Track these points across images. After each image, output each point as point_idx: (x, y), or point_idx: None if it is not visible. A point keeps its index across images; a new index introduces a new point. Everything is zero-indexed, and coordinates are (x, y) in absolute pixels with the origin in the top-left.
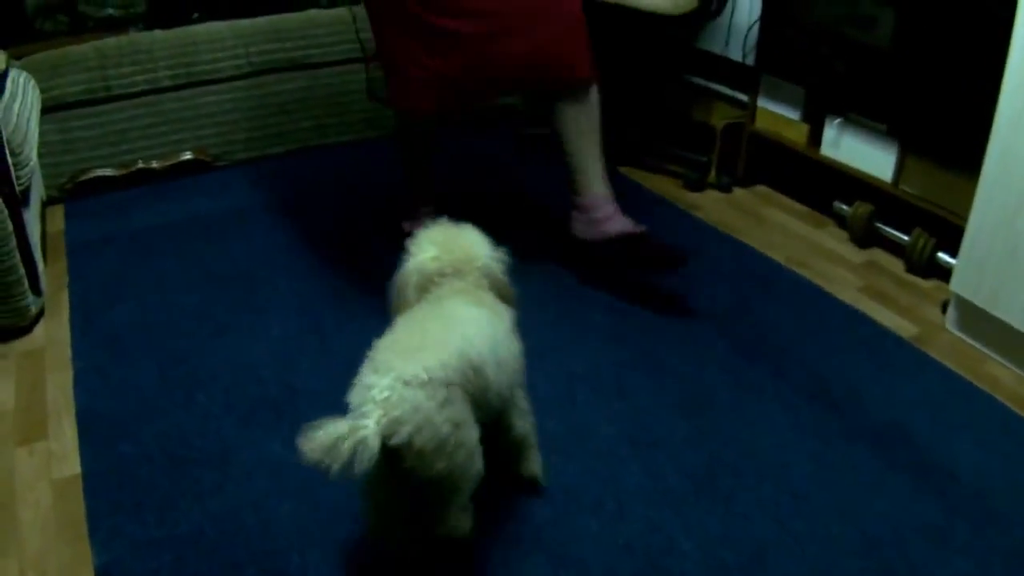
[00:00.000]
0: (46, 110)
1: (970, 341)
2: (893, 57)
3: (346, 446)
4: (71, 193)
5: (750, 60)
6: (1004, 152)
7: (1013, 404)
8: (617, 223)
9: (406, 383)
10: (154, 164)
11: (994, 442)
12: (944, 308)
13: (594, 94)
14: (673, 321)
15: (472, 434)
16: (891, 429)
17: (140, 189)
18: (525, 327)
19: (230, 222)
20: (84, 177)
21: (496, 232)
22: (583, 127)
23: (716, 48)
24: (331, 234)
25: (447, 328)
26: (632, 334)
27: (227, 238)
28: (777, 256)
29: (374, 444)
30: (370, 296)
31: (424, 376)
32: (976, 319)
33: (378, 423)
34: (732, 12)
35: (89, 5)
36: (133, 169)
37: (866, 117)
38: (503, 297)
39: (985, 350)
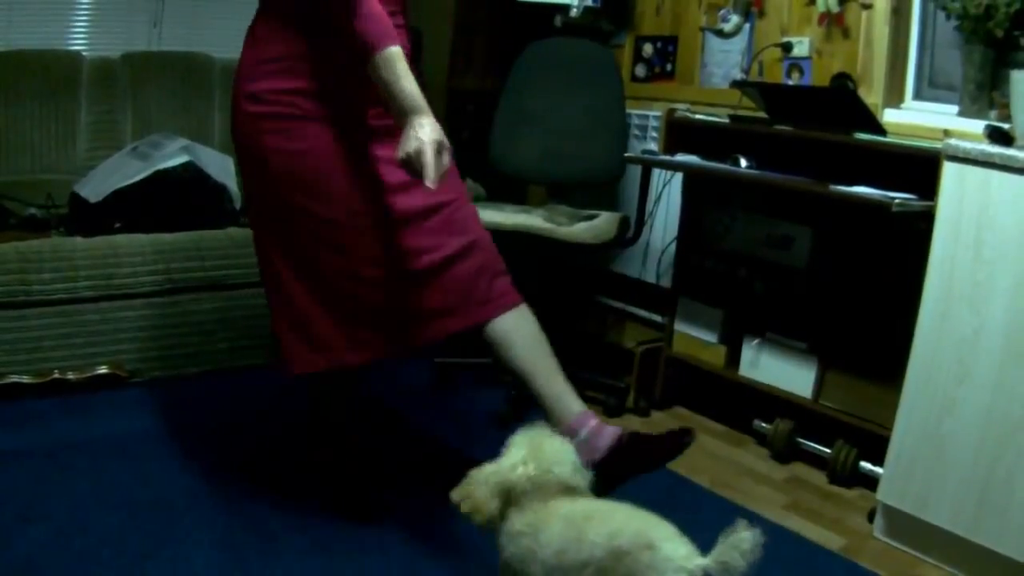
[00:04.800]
0: None
1: (900, 546)
2: (811, 276)
3: None
4: None
5: (665, 281)
6: (926, 361)
7: None
8: (607, 433)
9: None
10: (70, 375)
11: None
12: (870, 517)
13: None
14: None
15: None
16: None
17: (55, 400)
18: None
19: (148, 444)
20: None
21: None
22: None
23: (632, 271)
24: (252, 463)
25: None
26: None
27: (145, 461)
28: (702, 480)
29: None
30: (295, 533)
31: None
32: (905, 524)
33: None
34: (648, 235)
35: (13, 201)
36: (49, 379)
37: (785, 336)
38: None
39: (916, 554)
